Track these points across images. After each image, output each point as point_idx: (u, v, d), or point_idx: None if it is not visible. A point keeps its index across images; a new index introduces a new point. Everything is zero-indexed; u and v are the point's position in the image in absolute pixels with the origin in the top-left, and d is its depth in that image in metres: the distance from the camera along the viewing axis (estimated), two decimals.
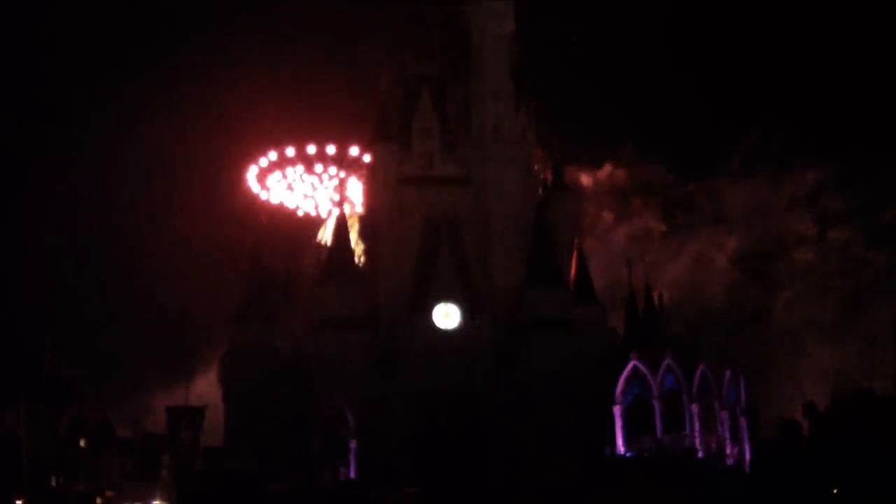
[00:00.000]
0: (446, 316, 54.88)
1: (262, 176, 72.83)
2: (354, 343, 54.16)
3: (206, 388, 63.61)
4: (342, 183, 67.48)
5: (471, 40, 64.03)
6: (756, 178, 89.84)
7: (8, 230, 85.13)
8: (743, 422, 54.62)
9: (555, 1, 79.39)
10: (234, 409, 57.29)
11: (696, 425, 51.85)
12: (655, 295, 60.34)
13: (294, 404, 55.05)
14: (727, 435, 52.84)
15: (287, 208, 73.43)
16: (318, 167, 72.13)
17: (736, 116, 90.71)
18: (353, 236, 61.54)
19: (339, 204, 61.84)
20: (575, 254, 63.57)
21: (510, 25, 63.87)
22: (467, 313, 54.82)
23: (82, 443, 57.96)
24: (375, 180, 61.55)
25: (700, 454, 51.16)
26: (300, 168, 72.35)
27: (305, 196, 73.29)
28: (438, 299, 55.02)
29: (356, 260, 60.21)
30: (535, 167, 64.75)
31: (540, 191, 63.99)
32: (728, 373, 53.82)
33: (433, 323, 54.64)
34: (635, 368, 52.86)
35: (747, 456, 53.91)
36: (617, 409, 53.26)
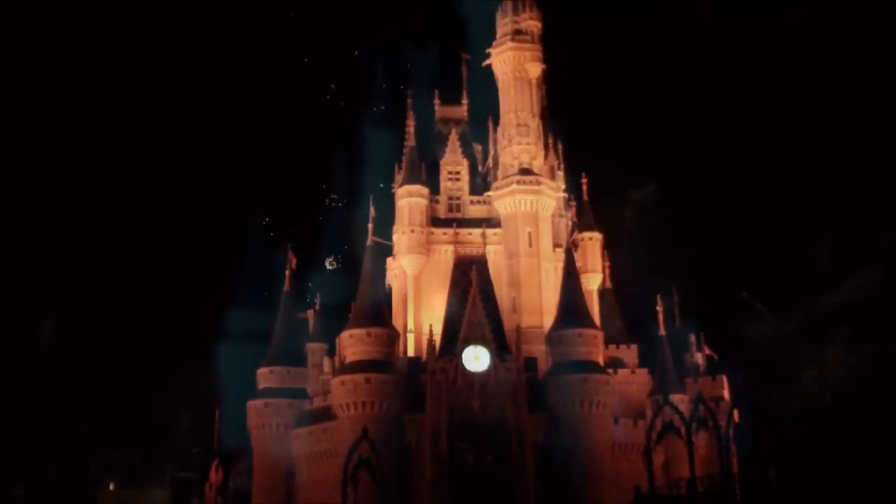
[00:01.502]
0: (476, 359, 54.49)
1: None
2: (382, 387, 53.89)
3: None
4: None
5: (498, 82, 64.56)
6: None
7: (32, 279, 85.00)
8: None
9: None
10: (264, 455, 57.26)
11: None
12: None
13: (324, 449, 55.12)
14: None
15: None
16: None
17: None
18: None
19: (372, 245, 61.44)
20: (606, 294, 63.54)
21: (537, 67, 64.25)
22: (497, 356, 54.47)
23: (112, 486, 58.05)
24: (405, 222, 61.71)
25: None
26: None
27: None
28: (468, 342, 54.72)
29: (386, 302, 60.30)
30: (565, 207, 64.74)
31: (569, 231, 63.90)
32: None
33: (463, 365, 54.31)
34: None
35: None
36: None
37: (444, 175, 63.85)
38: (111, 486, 62.02)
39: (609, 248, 64.93)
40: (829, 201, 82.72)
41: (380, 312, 56.89)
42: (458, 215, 63.01)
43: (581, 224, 64.40)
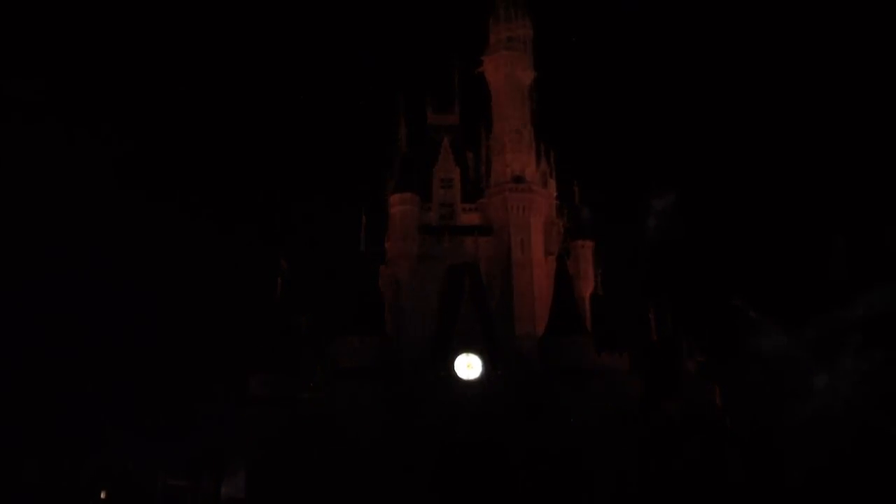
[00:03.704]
0: (468, 367, 54.45)
1: None
2: (375, 394, 53.89)
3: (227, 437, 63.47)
4: None
5: (490, 90, 64.71)
6: None
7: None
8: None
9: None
10: (255, 461, 57.09)
11: None
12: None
13: (315, 456, 54.99)
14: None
15: None
16: None
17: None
18: None
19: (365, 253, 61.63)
20: (597, 301, 63.62)
21: (529, 75, 64.47)
22: (489, 363, 54.45)
23: (103, 494, 57.86)
24: (397, 230, 61.75)
25: None
26: None
27: None
28: (460, 350, 54.66)
29: (379, 309, 60.26)
30: (556, 214, 64.89)
31: (561, 238, 64.01)
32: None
33: (455, 373, 54.30)
34: None
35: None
36: None
37: (436, 183, 63.92)
38: (102, 495, 61.79)
39: (601, 254, 65.03)
40: (841, 211, 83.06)
41: (373, 320, 56.89)
42: (451, 223, 63.04)
43: (573, 231, 64.52)
